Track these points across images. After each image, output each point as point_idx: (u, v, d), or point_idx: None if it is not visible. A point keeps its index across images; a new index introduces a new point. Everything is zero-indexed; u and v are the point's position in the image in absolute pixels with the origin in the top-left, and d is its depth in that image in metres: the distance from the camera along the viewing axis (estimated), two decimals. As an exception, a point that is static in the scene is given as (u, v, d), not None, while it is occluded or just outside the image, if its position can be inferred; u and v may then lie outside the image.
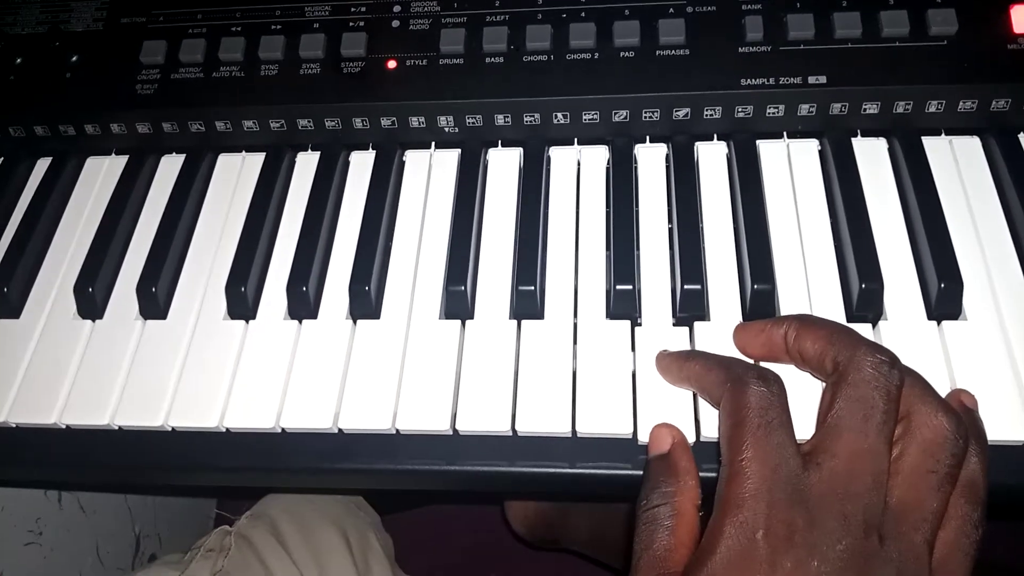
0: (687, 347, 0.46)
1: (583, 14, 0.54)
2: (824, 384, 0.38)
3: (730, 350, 0.45)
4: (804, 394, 0.42)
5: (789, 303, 0.47)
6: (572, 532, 0.91)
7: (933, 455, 0.35)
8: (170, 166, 0.59)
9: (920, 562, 0.34)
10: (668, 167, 0.53)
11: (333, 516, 0.75)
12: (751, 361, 0.43)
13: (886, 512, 0.34)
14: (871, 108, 0.51)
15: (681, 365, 0.43)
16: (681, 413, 0.44)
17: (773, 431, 0.35)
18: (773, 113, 0.52)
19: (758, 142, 0.53)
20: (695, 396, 0.44)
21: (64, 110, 0.58)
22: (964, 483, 0.35)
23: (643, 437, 0.44)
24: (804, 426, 0.39)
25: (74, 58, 0.59)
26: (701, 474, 0.41)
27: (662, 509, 0.37)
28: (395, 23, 0.56)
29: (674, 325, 0.47)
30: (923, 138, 0.52)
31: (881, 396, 0.35)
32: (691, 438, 0.43)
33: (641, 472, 0.44)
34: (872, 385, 0.35)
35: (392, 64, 0.55)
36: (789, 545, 0.33)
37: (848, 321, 0.46)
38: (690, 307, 0.47)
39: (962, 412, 0.37)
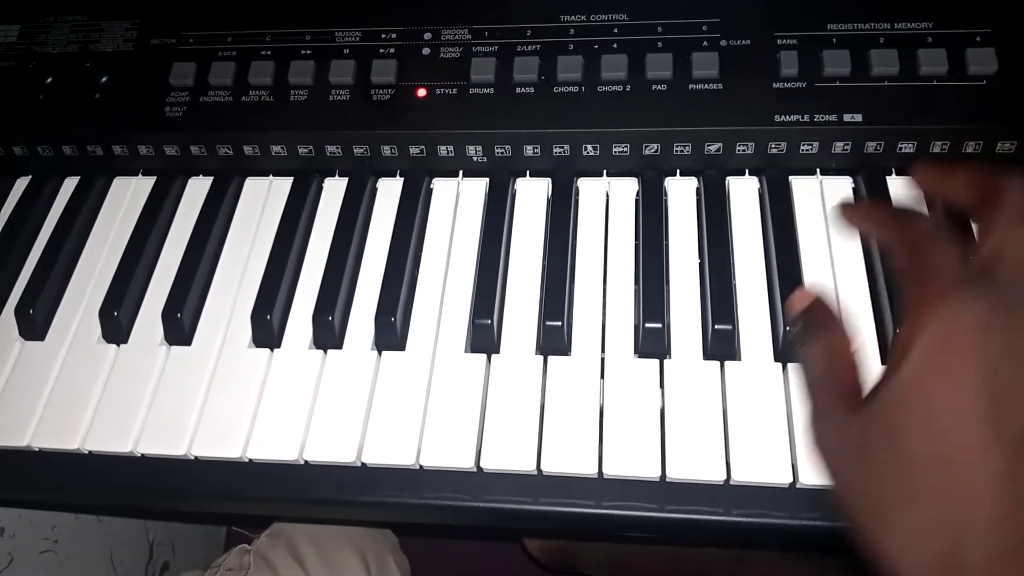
0: (717, 388, 0.45)
1: (615, 46, 0.53)
2: None
3: (764, 391, 0.45)
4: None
5: (821, 345, 0.46)
6: (589, 557, 0.90)
7: None
8: (197, 189, 0.59)
9: None
10: (699, 201, 0.53)
11: (351, 537, 0.75)
12: None
13: None
14: (907, 147, 0.50)
15: (849, 213, 0.46)
16: (711, 455, 0.43)
17: (949, 244, 0.36)
18: (807, 150, 0.51)
19: (791, 178, 0.52)
20: (726, 438, 0.44)
21: (92, 130, 0.58)
22: None
23: (672, 477, 0.43)
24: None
25: (104, 78, 0.59)
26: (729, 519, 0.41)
27: (818, 344, 0.38)
28: (425, 51, 0.55)
29: (704, 364, 0.46)
30: (960, 178, 0.51)
31: None
32: (720, 478, 0.43)
33: (670, 515, 0.44)
34: (1019, 192, 0.37)
35: (422, 92, 0.54)
36: (994, 320, 0.32)
37: (883, 364, 0.45)
38: (721, 347, 0.46)
39: None
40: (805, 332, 0.39)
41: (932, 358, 0.32)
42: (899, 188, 0.51)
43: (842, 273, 0.49)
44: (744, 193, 0.53)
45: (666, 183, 0.54)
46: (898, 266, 0.38)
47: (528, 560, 0.96)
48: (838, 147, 0.51)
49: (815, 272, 0.49)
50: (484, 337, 0.49)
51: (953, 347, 0.31)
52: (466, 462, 0.45)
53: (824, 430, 0.37)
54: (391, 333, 0.49)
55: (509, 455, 0.45)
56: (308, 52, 0.57)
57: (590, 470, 0.44)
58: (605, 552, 0.89)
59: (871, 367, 0.45)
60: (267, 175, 0.59)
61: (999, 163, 0.50)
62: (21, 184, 0.61)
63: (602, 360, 0.47)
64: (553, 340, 0.48)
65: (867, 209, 0.46)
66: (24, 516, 0.72)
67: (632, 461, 0.44)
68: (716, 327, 0.46)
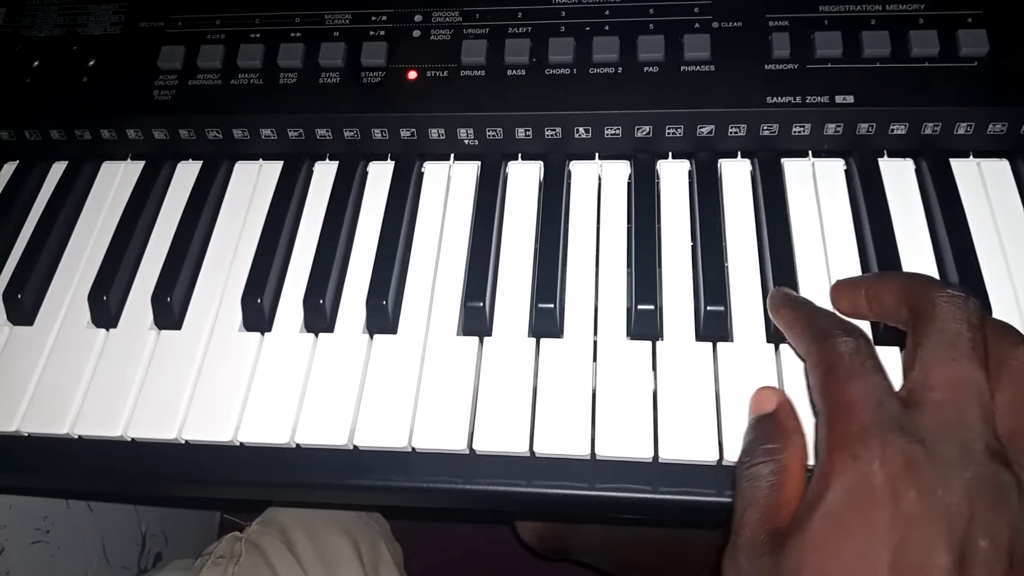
0: (709, 369, 0.45)
1: (607, 28, 0.53)
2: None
3: (756, 372, 0.45)
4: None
5: (813, 326, 0.46)
6: (582, 543, 0.90)
7: None
8: (186, 173, 0.58)
9: None
10: (691, 184, 0.53)
11: (343, 524, 0.75)
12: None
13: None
14: (899, 129, 0.50)
15: (776, 309, 0.43)
16: (704, 435, 0.43)
17: (869, 372, 0.34)
18: (799, 132, 0.51)
19: (783, 160, 0.52)
20: (719, 419, 0.44)
21: (80, 114, 0.58)
22: None
23: (664, 458, 0.43)
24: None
25: (91, 62, 0.58)
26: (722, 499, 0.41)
27: (767, 465, 0.36)
28: (416, 33, 0.55)
29: (697, 345, 0.46)
30: (951, 160, 0.51)
31: (963, 325, 0.34)
32: (713, 458, 0.43)
33: (663, 496, 0.44)
34: (951, 317, 0.34)
35: (412, 75, 0.54)
36: (911, 475, 0.30)
37: (875, 344, 0.45)
38: (713, 328, 0.46)
39: None
40: (759, 445, 0.37)
41: (844, 513, 0.31)
42: (891, 170, 0.51)
43: (834, 255, 0.49)
44: (736, 175, 0.53)
45: (658, 165, 0.54)
46: (813, 393, 0.36)
47: (522, 548, 0.95)
48: (830, 129, 0.51)
49: (807, 254, 0.49)
50: (476, 320, 0.48)
51: (866, 506, 0.31)
52: (459, 444, 0.45)
53: (739, 566, 0.35)
54: (382, 316, 0.49)
55: (502, 437, 0.45)
56: (297, 35, 0.56)
57: (583, 451, 0.44)
58: (598, 538, 0.89)
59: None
60: (257, 159, 0.58)
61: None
62: (9, 169, 0.61)
63: (594, 342, 0.47)
64: (545, 322, 0.48)
65: (792, 317, 0.41)
66: (15, 506, 0.71)
67: (625, 442, 0.44)
68: (708, 308, 0.46)
